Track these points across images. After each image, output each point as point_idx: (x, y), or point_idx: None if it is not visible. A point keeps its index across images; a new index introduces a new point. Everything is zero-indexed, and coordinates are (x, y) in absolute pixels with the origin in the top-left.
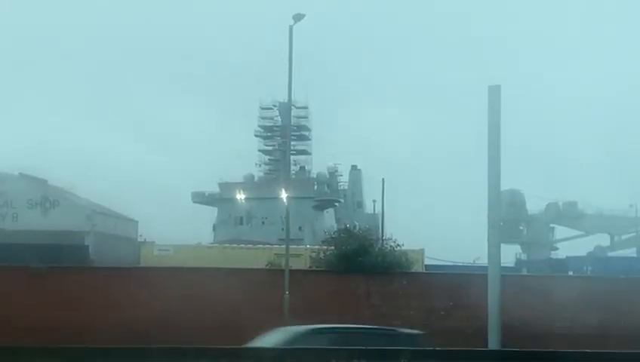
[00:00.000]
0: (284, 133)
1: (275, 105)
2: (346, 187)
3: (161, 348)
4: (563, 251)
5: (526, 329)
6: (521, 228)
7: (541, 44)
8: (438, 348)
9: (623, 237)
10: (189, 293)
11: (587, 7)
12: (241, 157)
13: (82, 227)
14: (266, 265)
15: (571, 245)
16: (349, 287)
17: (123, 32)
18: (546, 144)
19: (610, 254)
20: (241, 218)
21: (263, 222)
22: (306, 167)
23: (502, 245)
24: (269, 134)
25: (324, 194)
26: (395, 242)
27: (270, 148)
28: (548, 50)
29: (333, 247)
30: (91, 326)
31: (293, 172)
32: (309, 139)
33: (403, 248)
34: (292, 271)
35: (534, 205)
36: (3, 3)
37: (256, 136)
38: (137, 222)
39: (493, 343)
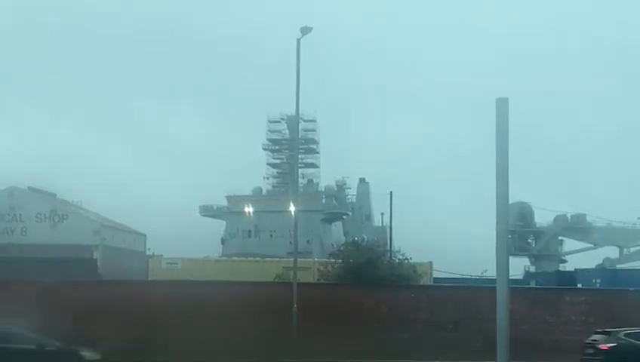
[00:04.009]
0: (292, 147)
1: (283, 119)
2: (354, 200)
3: None
4: (572, 264)
5: (535, 342)
6: (529, 240)
7: (551, 54)
8: None
9: (632, 249)
10: (198, 307)
11: (596, 17)
12: (250, 170)
13: (91, 241)
14: (275, 278)
15: (580, 257)
16: (357, 300)
17: (133, 47)
18: (555, 157)
19: (619, 266)
20: (250, 231)
21: (271, 235)
22: (314, 180)
23: (511, 258)
24: (277, 147)
25: (333, 207)
26: (403, 255)
27: (278, 161)
28: (558, 61)
29: (341, 260)
30: (99, 340)
31: (301, 185)
32: (317, 152)
33: (411, 261)
34: (300, 284)
35: (543, 217)
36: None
37: (264, 149)
38: (145, 235)
39: (502, 356)
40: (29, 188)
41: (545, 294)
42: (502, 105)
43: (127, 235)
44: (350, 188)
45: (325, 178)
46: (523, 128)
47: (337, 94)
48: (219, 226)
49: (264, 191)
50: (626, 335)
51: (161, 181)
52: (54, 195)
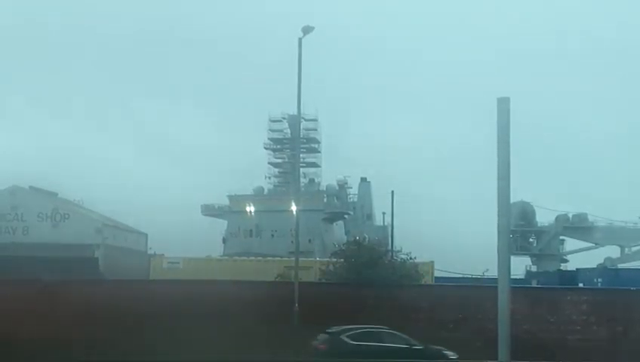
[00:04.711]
0: (293, 146)
1: (284, 118)
2: (355, 199)
3: None
4: (573, 263)
5: (536, 341)
6: (531, 240)
7: (551, 54)
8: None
9: (634, 248)
10: (199, 306)
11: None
12: (251, 169)
13: (92, 240)
14: (276, 278)
15: (581, 257)
16: (359, 299)
17: (133, 47)
18: (555, 157)
19: (621, 266)
20: (251, 230)
21: (272, 235)
22: (316, 180)
23: (512, 257)
24: (278, 147)
25: (334, 206)
26: (407, 254)
27: (280, 160)
28: (558, 61)
29: (342, 260)
30: (101, 339)
31: (303, 184)
32: (319, 152)
33: (413, 260)
34: (302, 284)
35: (544, 217)
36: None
37: (265, 148)
38: (147, 234)
39: (503, 355)
40: (31, 187)
41: (546, 293)
42: (503, 105)
43: (129, 234)
44: (352, 188)
45: (327, 177)
46: (523, 128)
47: (338, 94)
48: (220, 226)
49: (265, 191)
50: None
51: (162, 180)
52: (56, 194)
